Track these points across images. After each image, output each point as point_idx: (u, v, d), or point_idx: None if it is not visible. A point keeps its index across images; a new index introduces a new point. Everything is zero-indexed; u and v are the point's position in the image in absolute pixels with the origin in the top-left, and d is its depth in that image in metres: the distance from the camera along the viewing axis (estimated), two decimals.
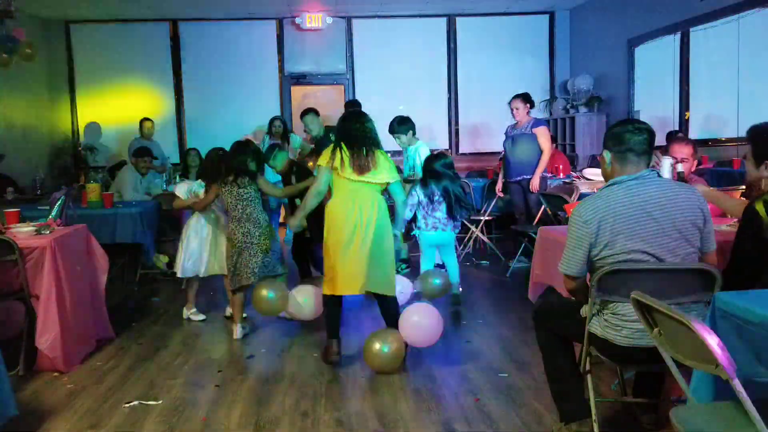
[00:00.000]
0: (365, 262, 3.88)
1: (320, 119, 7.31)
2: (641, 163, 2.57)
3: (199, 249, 4.91)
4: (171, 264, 6.70)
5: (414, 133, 6.19)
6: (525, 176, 6.32)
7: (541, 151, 6.25)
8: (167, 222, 6.68)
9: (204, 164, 5.05)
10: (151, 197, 6.79)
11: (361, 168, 3.90)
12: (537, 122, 6.35)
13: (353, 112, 4.23)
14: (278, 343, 4.50)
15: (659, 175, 2.59)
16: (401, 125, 6.09)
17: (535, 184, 6.28)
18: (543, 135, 6.28)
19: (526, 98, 6.38)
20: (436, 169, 5.19)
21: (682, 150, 3.89)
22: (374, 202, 3.95)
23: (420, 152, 6.06)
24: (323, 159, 3.99)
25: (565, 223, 3.49)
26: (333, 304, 4.03)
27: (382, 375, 3.80)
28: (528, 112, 6.39)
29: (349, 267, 3.88)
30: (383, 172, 3.96)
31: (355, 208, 3.89)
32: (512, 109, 6.39)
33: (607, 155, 2.64)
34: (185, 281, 5.20)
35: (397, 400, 3.45)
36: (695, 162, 3.97)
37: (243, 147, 4.71)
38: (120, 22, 9.97)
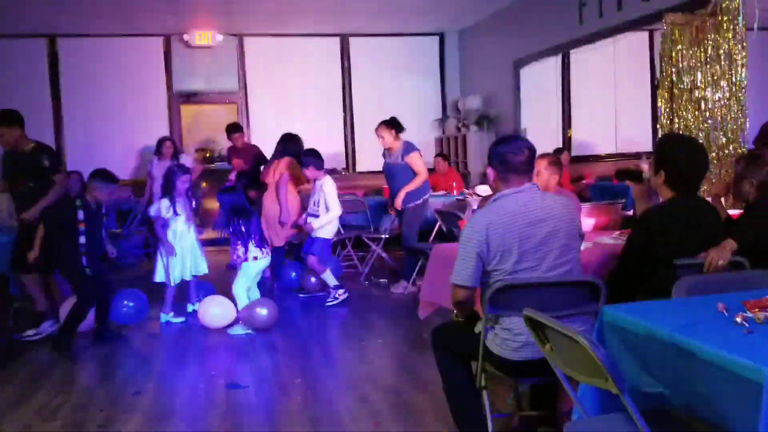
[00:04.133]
0: None
1: None
2: (523, 180, 2.69)
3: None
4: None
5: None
6: (407, 205, 6.29)
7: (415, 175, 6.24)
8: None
9: None
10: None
11: None
12: (407, 149, 6.21)
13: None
14: (167, 376, 4.27)
15: (539, 188, 2.74)
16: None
17: (397, 201, 6.24)
18: (415, 160, 6.20)
19: (391, 124, 6.26)
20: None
21: (538, 162, 4.04)
22: None
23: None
24: None
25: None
26: None
27: (280, 401, 3.69)
28: (396, 137, 6.26)
29: None
30: None
31: None
32: (378, 138, 6.30)
33: (491, 172, 2.77)
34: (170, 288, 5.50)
35: (293, 427, 3.34)
36: (554, 178, 4.11)
37: None
38: None
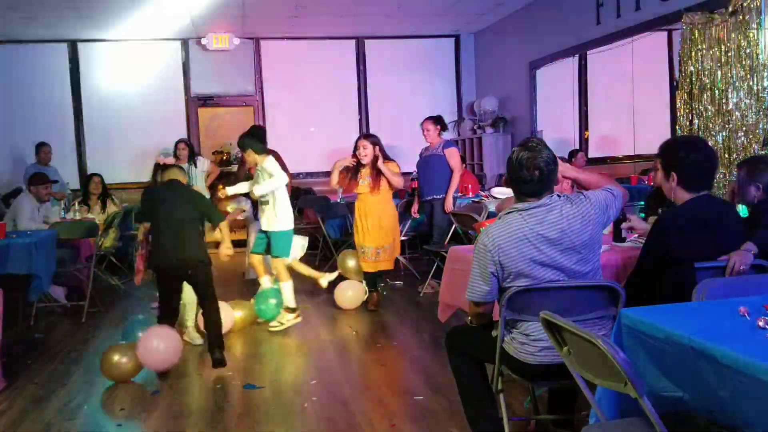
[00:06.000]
0: None
1: None
2: (540, 196, 2.58)
3: None
4: (69, 296, 6.34)
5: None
6: (435, 196, 6.38)
7: (451, 172, 6.34)
8: (66, 251, 6.31)
9: None
10: (49, 225, 6.41)
11: None
12: (447, 144, 6.44)
13: None
14: (185, 375, 4.30)
15: (559, 197, 2.61)
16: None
17: (449, 203, 6.33)
18: (453, 156, 6.37)
19: (437, 120, 6.46)
20: None
21: None
22: None
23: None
24: None
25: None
26: None
27: (296, 402, 3.70)
28: (439, 134, 6.45)
29: None
30: None
31: None
32: (423, 130, 6.47)
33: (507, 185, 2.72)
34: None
35: (308, 428, 3.35)
36: (567, 181, 4.07)
37: None
38: (16, 43, 9.46)
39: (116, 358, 4.13)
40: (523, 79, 9.06)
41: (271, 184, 5.12)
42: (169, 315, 4.49)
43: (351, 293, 5.84)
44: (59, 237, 6.01)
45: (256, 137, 5.54)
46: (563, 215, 2.54)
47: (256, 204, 5.57)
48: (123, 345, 4.28)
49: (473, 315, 2.76)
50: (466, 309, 3.61)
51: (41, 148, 8.44)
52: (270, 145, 9.18)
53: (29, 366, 4.58)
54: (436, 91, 10.67)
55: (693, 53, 5.22)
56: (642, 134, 8.14)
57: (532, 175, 2.54)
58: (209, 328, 4.48)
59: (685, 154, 2.84)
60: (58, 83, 9.73)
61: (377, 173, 5.68)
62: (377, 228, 5.76)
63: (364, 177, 5.75)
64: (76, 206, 7.46)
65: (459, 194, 7.67)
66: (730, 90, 4.97)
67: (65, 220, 6.87)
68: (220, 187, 5.57)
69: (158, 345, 4.11)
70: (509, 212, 2.61)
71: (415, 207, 6.81)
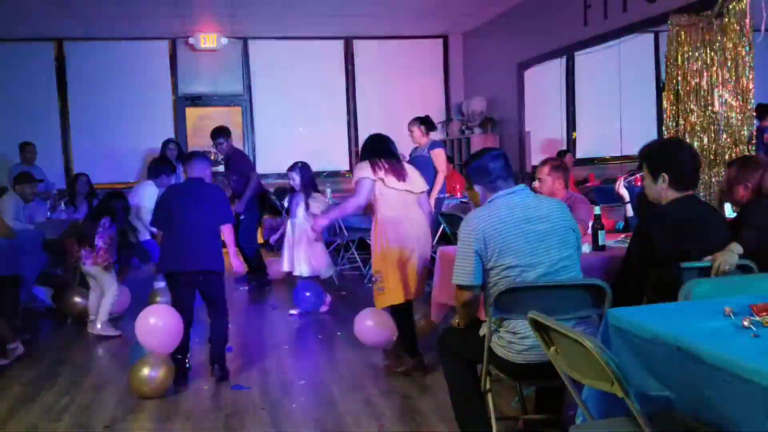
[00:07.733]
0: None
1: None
2: (510, 183, 2.77)
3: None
4: (56, 297, 6.28)
5: None
6: None
7: (436, 173, 6.33)
8: (52, 252, 6.25)
9: None
10: (34, 226, 6.36)
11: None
12: (434, 144, 6.44)
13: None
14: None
15: (532, 189, 2.82)
16: None
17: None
18: (438, 156, 6.34)
19: (421, 121, 6.45)
20: None
21: (541, 170, 4.09)
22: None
23: None
24: (364, 171, 3.95)
25: None
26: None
27: (284, 403, 3.69)
28: (426, 135, 6.44)
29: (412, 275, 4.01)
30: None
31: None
32: (408, 132, 6.47)
33: (480, 188, 2.81)
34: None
35: (297, 428, 3.34)
36: (560, 182, 4.11)
37: None
38: (1, 42, 9.37)
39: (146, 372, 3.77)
40: (512, 80, 9.07)
41: None
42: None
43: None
44: (45, 237, 5.96)
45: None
46: (539, 199, 2.77)
47: None
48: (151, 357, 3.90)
49: (460, 305, 2.80)
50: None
51: (25, 147, 8.38)
52: (258, 145, 9.24)
53: (15, 367, 4.54)
54: (424, 92, 10.66)
55: (679, 55, 5.25)
56: (629, 135, 8.18)
57: (498, 157, 2.80)
58: (214, 342, 4.10)
59: (675, 154, 2.89)
60: (44, 82, 9.66)
61: None
62: None
63: None
64: (62, 206, 7.41)
65: (447, 195, 7.70)
66: (715, 92, 5.00)
67: (51, 220, 6.81)
68: None
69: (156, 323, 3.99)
70: (490, 201, 2.75)
71: None
